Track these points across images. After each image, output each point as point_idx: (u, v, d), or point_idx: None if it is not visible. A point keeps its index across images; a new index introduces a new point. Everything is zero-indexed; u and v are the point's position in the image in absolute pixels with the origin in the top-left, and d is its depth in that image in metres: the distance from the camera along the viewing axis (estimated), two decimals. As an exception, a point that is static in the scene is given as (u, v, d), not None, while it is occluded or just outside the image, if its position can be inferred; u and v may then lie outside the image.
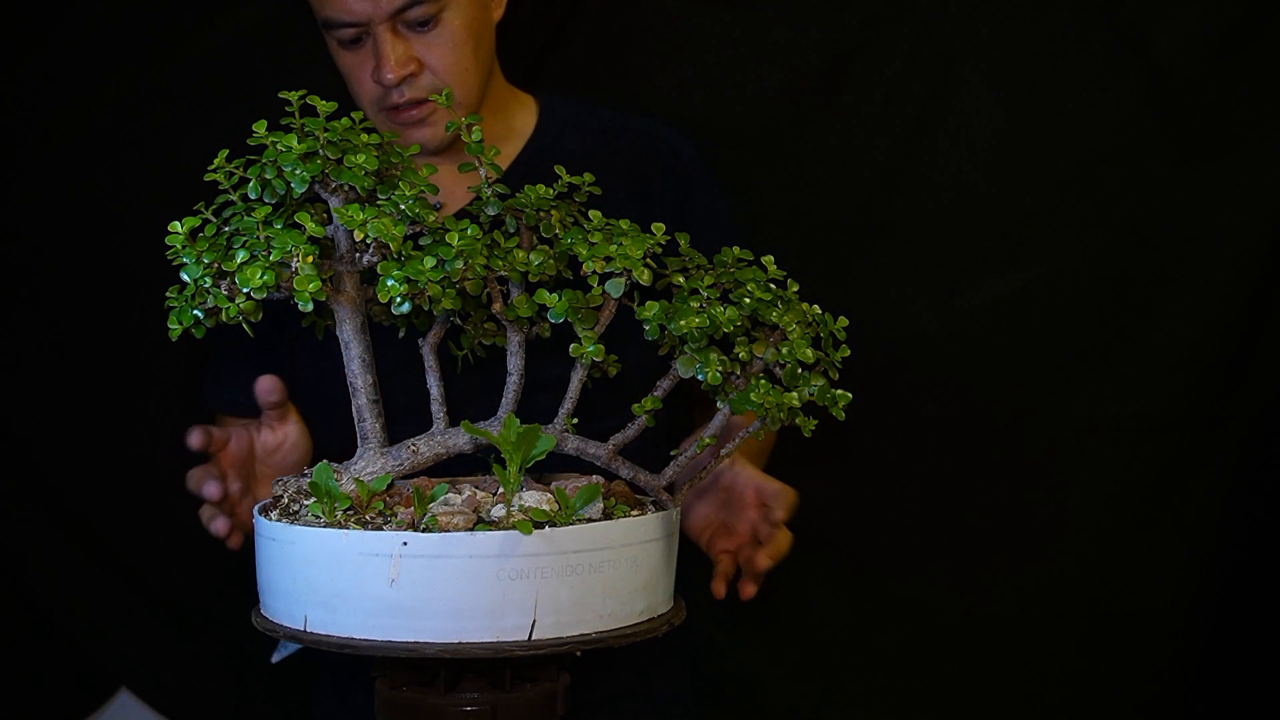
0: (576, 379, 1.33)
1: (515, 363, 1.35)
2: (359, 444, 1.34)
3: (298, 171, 1.24)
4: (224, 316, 1.25)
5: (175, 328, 1.27)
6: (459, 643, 1.19)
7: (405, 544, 1.18)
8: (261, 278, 1.22)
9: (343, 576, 1.20)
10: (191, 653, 2.06)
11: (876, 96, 2.03)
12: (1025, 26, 2.00)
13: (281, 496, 1.32)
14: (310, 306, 1.23)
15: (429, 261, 1.25)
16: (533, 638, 1.19)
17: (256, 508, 1.32)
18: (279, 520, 1.26)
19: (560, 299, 1.29)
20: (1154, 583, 2.04)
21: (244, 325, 1.27)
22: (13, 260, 2.01)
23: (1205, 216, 1.99)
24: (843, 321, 1.36)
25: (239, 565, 1.42)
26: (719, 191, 1.78)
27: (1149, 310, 2.01)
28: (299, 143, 1.25)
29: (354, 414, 1.34)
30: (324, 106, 1.29)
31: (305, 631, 1.24)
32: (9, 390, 2.01)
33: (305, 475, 1.30)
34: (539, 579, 1.19)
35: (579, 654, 1.23)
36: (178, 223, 1.26)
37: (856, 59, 2.03)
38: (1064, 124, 2.00)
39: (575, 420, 1.33)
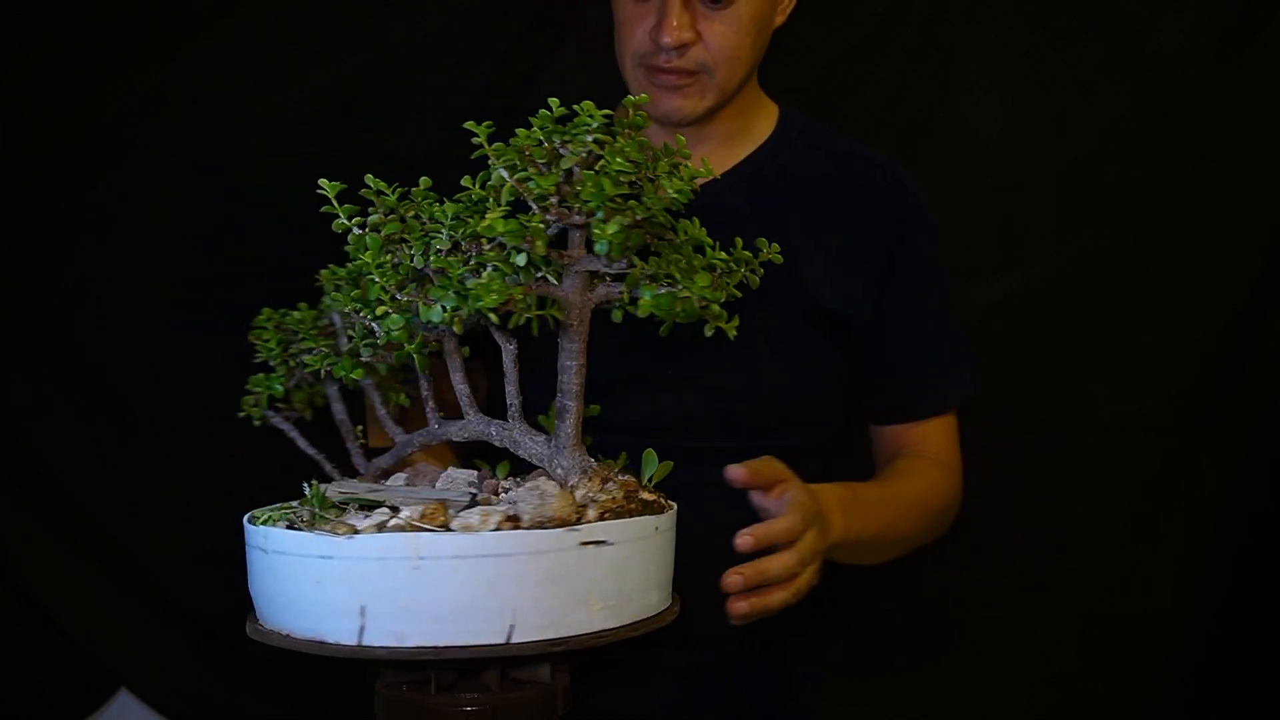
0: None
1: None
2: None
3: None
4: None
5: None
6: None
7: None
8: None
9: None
10: (191, 653, 2.06)
11: (877, 98, 2.02)
12: (1026, 27, 2.00)
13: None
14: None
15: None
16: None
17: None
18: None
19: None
20: (1154, 583, 2.04)
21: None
22: (12, 260, 2.01)
23: (1205, 217, 1.99)
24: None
25: (239, 565, 1.42)
26: (935, 241, 1.75)
27: (1149, 310, 2.00)
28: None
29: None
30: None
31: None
32: (9, 390, 2.01)
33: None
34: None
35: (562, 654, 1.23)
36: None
37: (857, 60, 2.03)
38: (1065, 125, 2.00)
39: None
